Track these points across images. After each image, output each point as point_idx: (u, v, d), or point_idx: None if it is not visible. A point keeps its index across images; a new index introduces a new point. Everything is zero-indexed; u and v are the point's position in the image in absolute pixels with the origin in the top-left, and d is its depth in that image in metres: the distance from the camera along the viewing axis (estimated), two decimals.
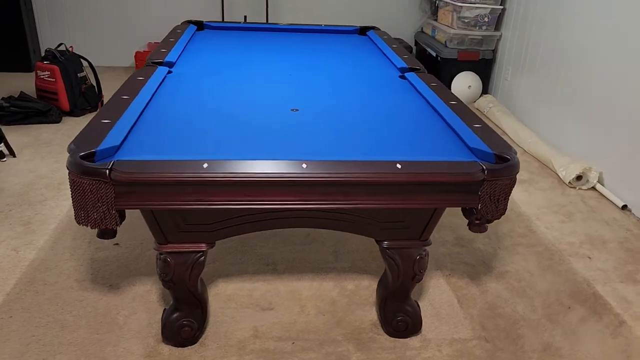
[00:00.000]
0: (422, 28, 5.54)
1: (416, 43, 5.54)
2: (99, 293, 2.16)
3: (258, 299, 2.18)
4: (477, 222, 1.67)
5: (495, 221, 2.87)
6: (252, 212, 1.69)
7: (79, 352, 1.87)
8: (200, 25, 3.49)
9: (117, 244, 2.49)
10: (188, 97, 2.10)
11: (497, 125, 4.33)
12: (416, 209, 1.72)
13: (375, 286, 2.22)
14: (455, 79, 4.89)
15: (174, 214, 1.65)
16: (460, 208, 1.69)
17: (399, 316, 1.96)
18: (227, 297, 2.18)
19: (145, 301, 2.12)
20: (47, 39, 5.21)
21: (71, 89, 3.96)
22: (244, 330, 2.01)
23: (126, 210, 1.58)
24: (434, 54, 5.01)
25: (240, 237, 2.59)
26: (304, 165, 1.49)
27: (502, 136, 4.05)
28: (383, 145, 1.75)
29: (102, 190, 1.42)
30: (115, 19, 5.26)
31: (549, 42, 3.95)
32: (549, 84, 3.94)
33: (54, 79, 3.86)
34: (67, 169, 1.44)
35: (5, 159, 3.30)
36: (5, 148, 3.33)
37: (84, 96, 4.07)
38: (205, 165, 1.46)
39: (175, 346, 1.91)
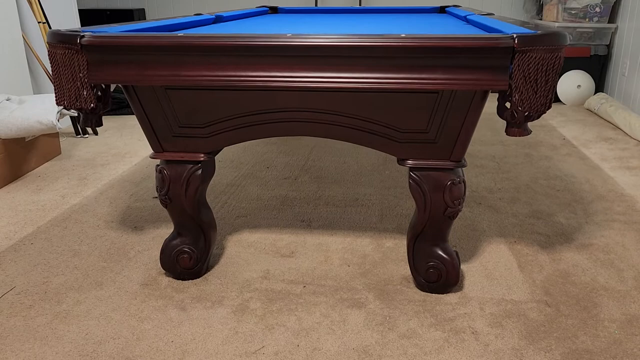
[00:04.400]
0: None
1: None
2: (121, 232, 2.08)
3: (280, 247, 1.94)
4: (513, 120, 1.31)
5: (584, 197, 2.37)
6: (247, 112, 1.49)
7: (79, 274, 1.77)
8: (275, 10, 3.48)
9: (156, 197, 2.42)
10: (217, 30, 2.02)
11: (607, 121, 3.73)
12: (442, 113, 1.41)
13: None
14: (561, 78, 4.36)
15: (165, 111, 1.52)
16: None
17: (431, 262, 1.60)
18: (248, 243, 1.98)
19: (163, 241, 1.99)
20: None
21: None
22: (254, 272, 1.78)
23: None
24: None
25: (281, 196, 2.40)
26: (289, 34, 1.28)
27: (613, 131, 3.48)
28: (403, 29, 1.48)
29: (75, 60, 1.33)
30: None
31: None
32: None
33: None
34: (47, 44, 1.38)
35: (87, 136, 3.47)
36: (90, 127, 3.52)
37: None
38: (181, 33, 1.32)
39: (175, 278, 1.73)
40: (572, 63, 4.33)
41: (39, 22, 3.21)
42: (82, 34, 1.33)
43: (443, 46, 1.20)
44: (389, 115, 1.45)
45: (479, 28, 1.89)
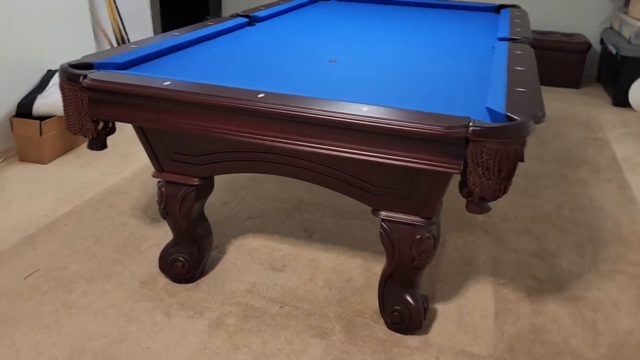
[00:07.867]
0: (611, 24, 4.70)
1: (602, 41, 4.72)
2: (141, 222, 2.30)
3: (274, 259, 2.07)
4: (469, 198, 1.33)
5: (601, 238, 2.28)
6: (235, 149, 1.60)
7: (93, 264, 2.01)
8: None
9: None
10: (240, 44, 2.09)
11: None
12: (413, 172, 1.45)
13: None
14: (636, 82, 4.04)
15: (161, 137, 1.66)
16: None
17: (397, 306, 1.68)
18: (247, 250, 2.13)
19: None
20: None
21: None
22: (241, 283, 1.93)
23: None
24: (614, 52, 4.21)
25: (297, 198, 2.51)
26: (260, 95, 1.35)
27: None
28: (384, 93, 1.50)
29: (79, 96, 1.49)
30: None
31: None
32: None
33: None
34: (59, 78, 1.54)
35: None
36: None
37: None
38: (166, 83, 1.43)
39: (171, 280, 1.93)
40: None
41: None
42: (85, 74, 1.48)
43: (400, 129, 1.23)
44: (364, 172, 1.50)
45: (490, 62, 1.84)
